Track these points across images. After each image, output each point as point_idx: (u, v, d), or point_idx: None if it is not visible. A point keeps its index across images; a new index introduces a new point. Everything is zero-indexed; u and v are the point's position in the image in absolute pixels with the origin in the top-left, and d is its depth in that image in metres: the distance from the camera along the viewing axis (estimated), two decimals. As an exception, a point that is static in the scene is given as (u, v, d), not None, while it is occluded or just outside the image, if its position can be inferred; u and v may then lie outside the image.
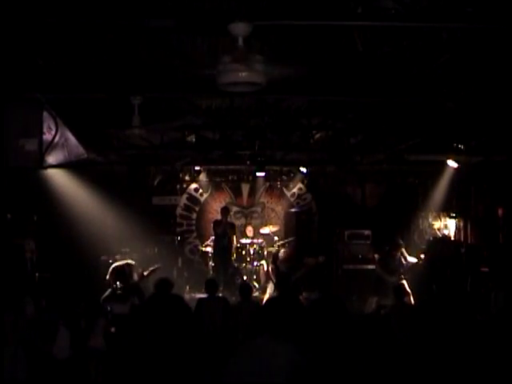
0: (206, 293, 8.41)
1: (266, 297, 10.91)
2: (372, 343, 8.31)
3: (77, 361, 7.24)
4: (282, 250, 11.13)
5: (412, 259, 10.79)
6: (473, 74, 7.21)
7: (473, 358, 7.01)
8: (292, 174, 14.42)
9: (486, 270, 10.67)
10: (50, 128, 7.84)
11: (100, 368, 7.49)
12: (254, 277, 12.59)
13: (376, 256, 11.50)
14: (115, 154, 11.77)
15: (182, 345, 7.67)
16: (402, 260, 10.54)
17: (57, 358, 7.05)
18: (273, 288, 10.25)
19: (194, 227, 14.77)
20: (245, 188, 14.79)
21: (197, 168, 13.80)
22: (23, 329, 7.14)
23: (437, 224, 13.39)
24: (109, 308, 8.59)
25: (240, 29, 4.80)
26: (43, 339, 7.15)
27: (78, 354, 7.25)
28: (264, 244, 13.17)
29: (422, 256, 10.86)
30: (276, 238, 13.34)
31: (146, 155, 11.67)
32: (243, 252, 12.75)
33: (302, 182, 14.71)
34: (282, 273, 10.44)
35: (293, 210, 14.57)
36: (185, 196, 14.70)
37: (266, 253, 12.92)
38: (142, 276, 10.14)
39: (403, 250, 10.71)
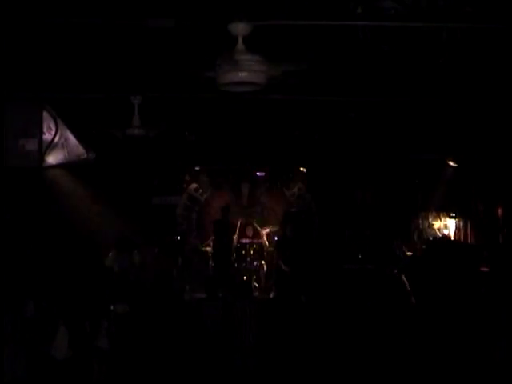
0: (206, 293, 8.41)
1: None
2: (372, 343, 8.33)
3: (79, 361, 7.24)
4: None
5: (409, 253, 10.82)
6: (473, 73, 7.21)
7: (473, 358, 7.02)
8: (292, 174, 14.40)
9: (486, 270, 10.68)
10: (49, 128, 7.85)
11: (104, 367, 7.51)
12: (254, 277, 12.57)
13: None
14: (115, 153, 11.76)
15: (181, 343, 7.68)
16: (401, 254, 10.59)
17: (54, 358, 7.05)
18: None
19: (194, 227, 14.74)
20: (245, 188, 14.76)
21: (197, 168, 13.79)
22: (23, 329, 7.15)
23: (437, 224, 13.38)
24: (111, 307, 8.62)
25: (240, 29, 4.81)
26: (43, 339, 7.15)
27: (80, 354, 7.25)
28: (264, 244, 13.16)
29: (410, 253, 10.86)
30: (276, 238, 13.33)
31: (146, 155, 11.66)
32: (243, 252, 12.74)
33: (302, 182, 14.69)
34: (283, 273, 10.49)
35: (293, 210, 14.56)
36: (185, 196, 14.66)
37: (266, 253, 12.91)
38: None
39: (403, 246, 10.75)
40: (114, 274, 10.12)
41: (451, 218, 13.06)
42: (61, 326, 7.28)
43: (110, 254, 10.34)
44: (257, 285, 12.39)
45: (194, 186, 14.65)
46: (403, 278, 10.32)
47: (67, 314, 7.50)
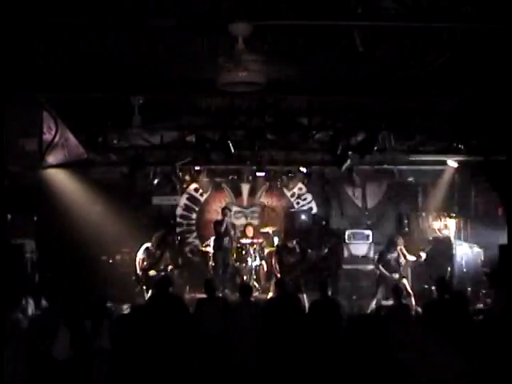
0: (206, 293, 8.41)
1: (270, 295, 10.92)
2: (371, 343, 8.32)
3: (79, 361, 7.22)
4: (289, 243, 11.18)
5: (411, 257, 10.83)
6: (473, 74, 7.21)
7: (473, 359, 7.00)
8: (292, 174, 14.39)
9: (486, 270, 10.66)
10: (50, 128, 7.85)
11: (104, 368, 7.49)
12: (254, 277, 12.56)
13: (376, 256, 11.55)
14: (115, 154, 11.76)
15: (180, 344, 7.66)
16: (402, 258, 10.57)
17: (56, 358, 7.03)
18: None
19: (194, 227, 14.74)
20: (245, 188, 14.76)
21: (197, 168, 13.78)
22: (23, 329, 7.14)
23: (437, 224, 13.37)
24: (113, 308, 8.63)
25: (240, 29, 4.81)
26: (43, 339, 7.14)
27: (80, 354, 7.24)
28: (264, 244, 13.16)
29: (422, 253, 10.86)
30: (276, 238, 13.33)
31: (145, 155, 11.65)
32: (243, 252, 12.73)
33: (302, 182, 14.68)
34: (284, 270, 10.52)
35: (293, 210, 14.57)
36: (185, 196, 14.67)
37: (266, 253, 12.91)
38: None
39: (402, 247, 10.73)
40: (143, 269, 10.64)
41: (451, 217, 13.05)
42: (61, 325, 7.27)
43: (143, 249, 10.63)
44: (257, 285, 12.39)
45: (194, 185, 14.65)
46: (404, 281, 10.35)
47: (68, 313, 7.48)
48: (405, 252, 10.69)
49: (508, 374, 6.31)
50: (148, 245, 10.98)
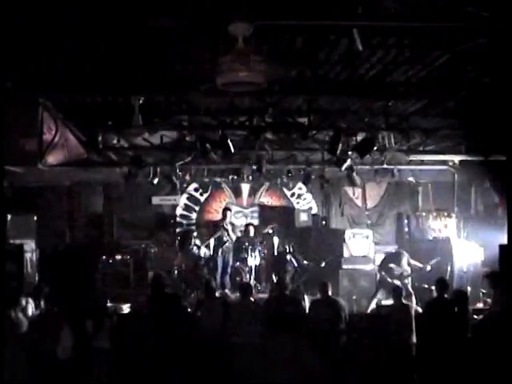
0: (206, 293, 8.42)
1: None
2: (372, 343, 8.32)
3: (80, 361, 7.22)
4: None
5: (417, 263, 10.81)
6: (473, 74, 7.22)
7: (473, 358, 7.01)
8: (292, 174, 14.40)
9: (486, 269, 10.65)
10: (50, 128, 7.84)
11: (104, 368, 7.50)
12: (254, 277, 12.57)
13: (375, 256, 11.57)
14: (115, 154, 11.76)
15: (180, 344, 7.67)
16: (406, 271, 10.57)
17: (60, 358, 7.03)
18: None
19: (193, 227, 14.75)
20: (245, 188, 14.78)
21: (197, 168, 13.79)
22: (23, 329, 7.14)
23: (437, 224, 13.38)
24: (113, 308, 8.64)
25: (240, 29, 4.80)
26: (43, 339, 7.14)
27: (81, 354, 7.24)
28: (264, 244, 13.15)
29: (428, 266, 10.83)
30: (276, 238, 13.33)
31: (146, 155, 11.65)
32: (243, 252, 12.73)
33: (302, 182, 14.69)
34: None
35: (292, 209, 14.56)
36: (185, 196, 14.68)
37: (265, 252, 12.91)
38: None
39: (409, 258, 10.74)
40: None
41: (451, 217, 13.06)
42: (65, 325, 7.26)
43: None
44: (257, 285, 12.38)
45: (193, 185, 14.65)
46: (405, 280, 10.35)
47: (69, 313, 7.49)
48: (411, 262, 10.69)
49: (508, 374, 6.31)
50: None
